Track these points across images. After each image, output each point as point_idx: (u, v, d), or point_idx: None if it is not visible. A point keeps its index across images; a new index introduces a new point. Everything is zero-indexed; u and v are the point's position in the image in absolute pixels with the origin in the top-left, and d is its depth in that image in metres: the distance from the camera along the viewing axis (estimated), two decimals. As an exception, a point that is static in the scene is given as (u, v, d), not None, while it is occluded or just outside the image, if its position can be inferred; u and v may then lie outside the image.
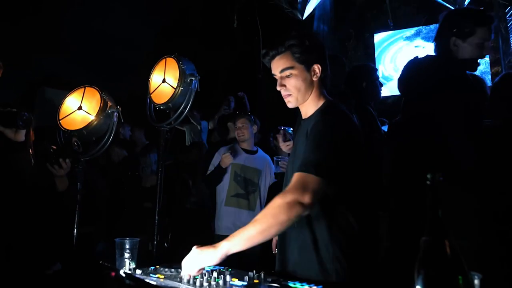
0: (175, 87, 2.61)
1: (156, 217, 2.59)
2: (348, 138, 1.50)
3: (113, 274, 1.40)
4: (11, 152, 2.29)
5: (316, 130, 1.49)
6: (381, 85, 2.76)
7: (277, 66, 1.61)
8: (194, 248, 1.40)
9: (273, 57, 1.62)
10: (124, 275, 1.38)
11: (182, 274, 1.38)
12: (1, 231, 2.31)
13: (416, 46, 6.69)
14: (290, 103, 1.64)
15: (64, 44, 5.16)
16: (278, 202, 1.37)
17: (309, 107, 1.65)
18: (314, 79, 1.61)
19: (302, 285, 1.28)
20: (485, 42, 2.08)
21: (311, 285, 1.28)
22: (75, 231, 2.71)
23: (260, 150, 3.62)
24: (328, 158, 1.42)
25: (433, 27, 6.48)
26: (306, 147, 1.48)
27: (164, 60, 2.75)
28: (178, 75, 2.61)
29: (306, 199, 1.36)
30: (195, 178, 4.42)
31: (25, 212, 2.45)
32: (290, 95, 1.61)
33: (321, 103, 1.64)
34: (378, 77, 2.74)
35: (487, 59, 5.55)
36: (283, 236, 1.63)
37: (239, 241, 1.36)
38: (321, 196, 1.40)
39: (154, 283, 1.28)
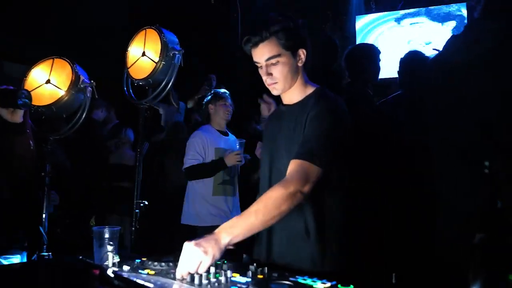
0: (156, 61, 2.39)
1: (135, 200, 2.40)
2: (347, 129, 1.50)
3: (96, 272, 1.22)
4: (9, 135, 2.01)
5: (320, 119, 1.45)
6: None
7: (262, 53, 1.51)
8: (186, 243, 1.24)
9: (256, 44, 1.51)
10: (112, 275, 1.20)
11: (179, 273, 1.22)
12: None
13: (394, 30, 6.64)
14: (276, 90, 1.57)
15: (24, 12, 4.73)
16: (280, 192, 1.32)
17: (294, 93, 1.59)
18: (299, 64, 1.56)
19: (314, 281, 1.16)
20: None
21: (323, 281, 1.16)
22: (44, 216, 2.50)
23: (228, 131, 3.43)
24: (330, 149, 1.42)
25: (414, 11, 6.46)
26: (307, 133, 1.44)
27: (144, 31, 2.52)
28: (160, 48, 2.40)
29: (306, 189, 1.35)
30: (173, 161, 4.20)
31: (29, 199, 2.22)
32: (276, 83, 1.54)
33: (309, 89, 1.59)
34: (380, 59, 2.64)
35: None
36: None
37: (241, 231, 1.28)
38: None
39: (151, 285, 1.11)
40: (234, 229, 1.28)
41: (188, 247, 1.23)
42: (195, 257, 1.21)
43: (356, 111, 2.23)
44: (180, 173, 3.42)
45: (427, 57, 2.74)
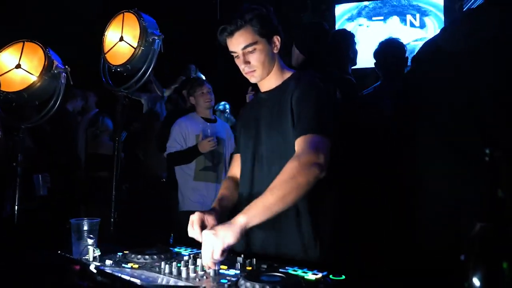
0: (135, 46, 2.30)
1: (114, 191, 2.32)
2: (335, 102, 1.53)
3: (77, 267, 1.15)
4: None
5: (308, 95, 1.44)
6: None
7: (238, 42, 1.49)
8: (205, 232, 1.19)
9: (231, 33, 1.48)
10: (95, 270, 1.14)
11: (204, 263, 1.17)
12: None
13: (360, 25, 6.68)
14: (254, 78, 1.55)
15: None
16: (292, 165, 1.29)
17: (272, 79, 1.57)
18: (275, 51, 1.55)
19: (305, 272, 1.14)
20: None
21: (314, 271, 1.14)
22: (16, 208, 2.39)
23: (218, 118, 3.48)
24: (330, 118, 1.42)
25: (381, 3, 6.52)
26: (300, 111, 1.42)
27: (122, 15, 2.40)
28: (139, 33, 2.29)
29: (321, 159, 1.30)
30: (147, 150, 4.13)
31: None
32: (254, 71, 1.52)
33: (286, 74, 1.58)
34: (355, 42, 2.63)
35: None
36: None
37: (258, 211, 1.22)
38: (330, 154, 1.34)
39: (137, 281, 1.06)
40: (251, 210, 1.22)
41: (206, 235, 1.17)
42: (208, 243, 1.16)
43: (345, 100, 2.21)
44: (155, 162, 3.36)
45: (404, 45, 2.74)
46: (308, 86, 1.47)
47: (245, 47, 1.48)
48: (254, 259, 1.25)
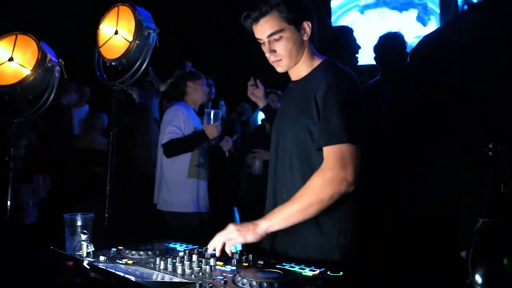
0: (130, 40, 2.26)
1: (108, 186, 2.29)
2: (362, 99, 1.41)
3: (70, 263, 1.13)
4: None
5: (333, 92, 1.33)
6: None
7: (263, 30, 1.41)
8: (231, 225, 1.30)
9: (256, 20, 1.41)
10: (88, 266, 1.12)
11: (211, 245, 1.28)
12: None
13: (368, 18, 6.66)
14: (281, 67, 1.46)
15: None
16: (317, 180, 1.27)
17: (301, 68, 1.48)
18: (305, 38, 1.44)
19: (302, 268, 1.12)
20: None
21: (312, 268, 1.13)
22: (8, 204, 2.36)
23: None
24: (357, 120, 1.32)
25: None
26: (325, 112, 1.32)
27: (117, 8, 2.36)
28: (134, 27, 2.26)
29: (349, 174, 1.25)
30: (136, 144, 4.02)
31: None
32: (281, 60, 1.43)
33: (316, 62, 1.47)
34: (355, 38, 2.60)
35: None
36: (272, 207, 1.45)
37: (278, 219, 1.28)
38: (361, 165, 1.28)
39: (131, 277, 1.04)
40: (272, 217, 1.28)
41: (229, 226, 1.29)
42: (228, 233, 1.27)
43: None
44: (143, 155, 3.22)
45: (404, 40, 2.70)
46: (334, 81, 1.35)
47: (270, 35, 1.40)
48: (250, 255, 1.24)
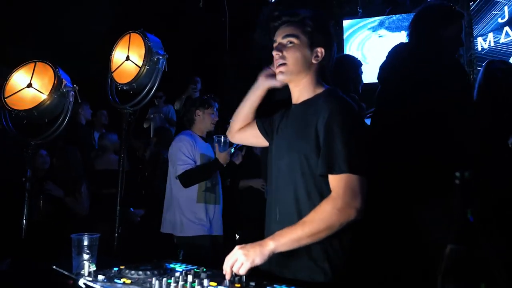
0: (140, 65, 2.38)
1: (118, 207, 2.37)
2: (363, 127, 1.46)
3: (70, 282, 1.19)
4: None
5: (338, 123, 1.34)
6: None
7: (283, 31, 1.48)
8: (237, 247, 1.30)
9: (283, 23, 1.50)
10: (84, 286, 1.17)
11: (224, 269, 1.27)
12: None
13: (380, 36, 6.71)
14: (282, 74, 1.47)
15: (6, 13, 4.66)
16: (328, 207, 1.29)
17: (303, 90, 1.50)
18: (314, 61, 1.47)
19: (291, 290, 1.15)
20: (461, 34, 2.17)
21: (300, 290, 1.15)
22: (24, 222, 2.46)
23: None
24: (363, 152, 1.35)
25: (396, 18, 6.53)
26: (331, 140, 1.33)
27: (128, 35, 2.50)
28: (144, 53, 2.38)
29: (359, 203, 1.29)
30: (156, 169, 4.07)
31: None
32: (285, 64, 1.46)
33: (319, 90, 1.49)
34: (361, 71, 2.63)
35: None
36: (268, 230, 1.49)
37: (286, 241, 1.29)
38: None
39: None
40: (281, 238, 1.28)
41: (235, 249, 1.28)
42: (234, 256, 1.26)
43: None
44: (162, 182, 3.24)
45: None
46: (338, 111, 1.36)
47: (285, 37, 1.45)
48: (244, 277, 1.27)
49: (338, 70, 2.53)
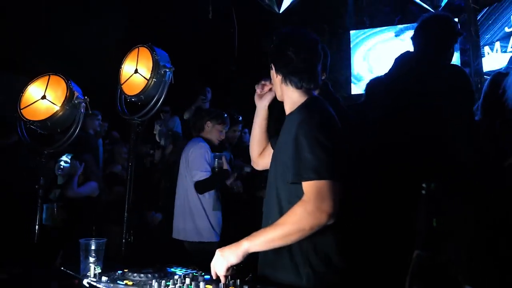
0: (147, 78, 2.48)
1: (126, 213, 2.47)
2: (335, 134, 1.46)
3: (76, 282, 1.28)
4: None
5: (303, 130, 1.42)
6: None
7: None
8: (217, 251, 1.41)
9: None
10: (87, 285, 1.27)
11: (213, 275, 1.38)
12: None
13: (390, 41, 6.73)
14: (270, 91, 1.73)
15: (23, 26, 4.85)
16: (298, 210, 1.35)
17: (287, 104, 1.61)
18: (284, 85, 1.59)
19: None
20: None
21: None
22: (36, 227, 2.57)
23: None
24: (329, 158, 1.38)
25: (403, 27, 6.57)
26: (299, 149, 1.40)
27: (137, 49, 2.61)
28: (152, 66, 2.48)
29: (326, 206, 1.33)
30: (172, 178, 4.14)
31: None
32: (272, 85, 1.68)
33: (302, 99, 1.56)
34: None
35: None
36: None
37: (260, 242, 1.37)
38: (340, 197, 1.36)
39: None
40: (255, 239, 1.37)
41: (216, 254, 1.39)
42: (214, 259, 1.37)
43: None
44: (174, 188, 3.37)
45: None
46: (307, 120, 1.44)
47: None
48: (238, 280, 1.34)
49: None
